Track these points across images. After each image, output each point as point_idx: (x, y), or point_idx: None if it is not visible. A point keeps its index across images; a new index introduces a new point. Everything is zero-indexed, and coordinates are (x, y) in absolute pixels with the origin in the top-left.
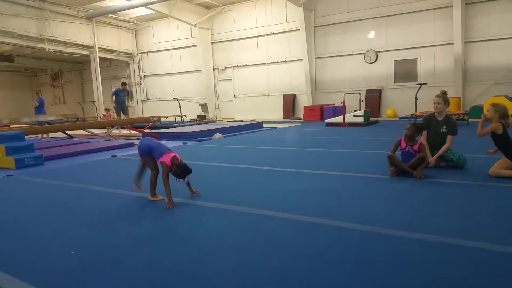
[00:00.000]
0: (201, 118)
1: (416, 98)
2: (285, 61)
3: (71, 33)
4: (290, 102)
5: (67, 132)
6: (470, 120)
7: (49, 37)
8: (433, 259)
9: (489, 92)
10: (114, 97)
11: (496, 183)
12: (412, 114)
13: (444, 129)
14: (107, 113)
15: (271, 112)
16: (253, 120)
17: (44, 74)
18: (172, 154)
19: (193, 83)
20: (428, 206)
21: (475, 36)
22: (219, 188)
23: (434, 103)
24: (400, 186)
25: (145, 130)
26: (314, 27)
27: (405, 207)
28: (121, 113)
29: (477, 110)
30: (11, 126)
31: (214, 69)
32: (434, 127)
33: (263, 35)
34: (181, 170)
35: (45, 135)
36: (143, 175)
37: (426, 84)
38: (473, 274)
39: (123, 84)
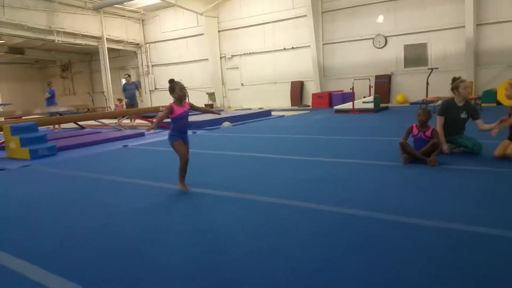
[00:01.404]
0: (209, 107)
1: (427, 83)
2: (292, 48)
3: (79, 25)
4: (297, 90)
5: (78, 122)
6: (483, 104)
7: (58, 29)
8: (446, 245)
9: (503, 76)
10: (124, 92)
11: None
12: (423, 100)
13: (463, 115)
14: (120, 103)
15: (278, 99)
16: (261, 108)
17: (54, 66)
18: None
19: (200, 72)
20: (443, 192)
21: (487, 18)
22: (230, 177)
23: (465, 88)
24: (415, 173)
25: (154, 120)
26: (322, 12)
27: (420, 194)
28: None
29: (490, 94)
30: (23, 117)
31: (221, 57)
32: (453, 113)
33: (270, 22)
34: (175, 84)
35: (57, 126)
36: (185, 172)
37: (437, 68)
38: (482, 259)
39: (126, 75)
